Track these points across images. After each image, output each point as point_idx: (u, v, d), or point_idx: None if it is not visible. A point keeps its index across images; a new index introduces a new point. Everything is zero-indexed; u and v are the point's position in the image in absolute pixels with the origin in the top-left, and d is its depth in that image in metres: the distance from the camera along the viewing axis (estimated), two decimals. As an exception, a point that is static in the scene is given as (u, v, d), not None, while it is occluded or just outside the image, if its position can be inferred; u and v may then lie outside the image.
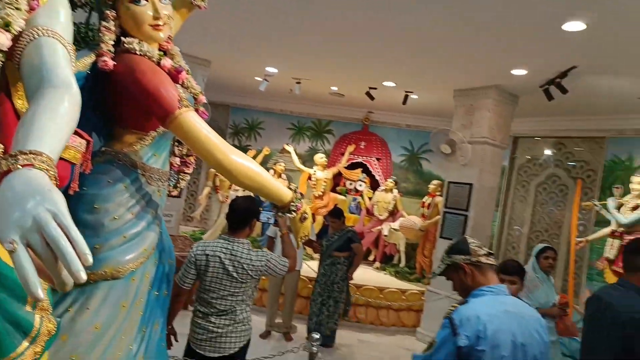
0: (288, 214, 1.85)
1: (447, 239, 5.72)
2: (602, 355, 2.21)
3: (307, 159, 8.66)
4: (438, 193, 7.23)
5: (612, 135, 6.50)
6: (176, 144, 1.95)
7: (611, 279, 5.15)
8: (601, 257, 5.43)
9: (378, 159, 8.79)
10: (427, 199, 7.55)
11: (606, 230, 5.40)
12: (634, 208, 5.10)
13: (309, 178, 7.99)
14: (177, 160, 1.96)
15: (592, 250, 6.16)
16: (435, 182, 7.50)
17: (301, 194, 1.91)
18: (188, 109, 1.55)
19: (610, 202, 5.36)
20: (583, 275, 6.47)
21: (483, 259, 1.92)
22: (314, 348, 2.67)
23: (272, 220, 6.16)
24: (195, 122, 1.54)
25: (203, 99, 1.83)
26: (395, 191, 7.76)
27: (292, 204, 1.82)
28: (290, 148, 8.29)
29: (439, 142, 6.07)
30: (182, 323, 2.71)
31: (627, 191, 5.32)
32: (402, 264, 7.41)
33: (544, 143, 7.40)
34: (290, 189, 1.85)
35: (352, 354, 5.06)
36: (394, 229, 7.39)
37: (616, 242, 5.23)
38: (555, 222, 7.09)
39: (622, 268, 2.59)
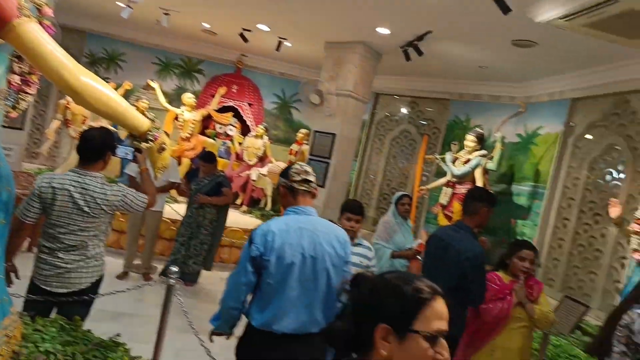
0: (145, 144, 1.83)
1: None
2: (442, 286, 2.68)
3: (174, 99, 8.25)
4: (305, 141, 7.57)
5: (454, 98, 7.40)
6: (16, 59, 1.75)
7: (443, 221, 6.02)
8: (436, 203, 6.29)
9: (250, 104, 8.75)
10: (294, 147, 7.86)
11: (442, 180, 6.24)
12: (465, 162, 5.95)
13: (176, 118, 7.65)
14: (17, 78, 1.75)
15: (431, 197, 7.09)
16: (303, 130, 7.82)
17: (166, 132, 1.89)
18: (29, 19, 1.41)
19: (448, 156, 6.16)
20: (422, 218, 7.46)
21: (296, 185, 2.17)
22: (172, 281, 2.70)
23: (130, 156, 5.74)
24: (38, 35, 1.42)
25: (49, 11, 1.66)
26: (266, 138, 7.89)
27: (149, 133, 1.80)
28: (155, 84, 7.72)
29: (308, 92, 6.28)
30: (26, 266, 2.52)
31: (462, 147, 6.14)
32: (268, 207, 7.71)
33: (400, 101, 8.11)
34: (148, 117, 1.82)
35: (214, 291, 5.21)
36: (262, 174, 7.60)
37: (449, 191, 6.08)
38: (403, 173, 7.95)
39: (461, 212, 3.04)
